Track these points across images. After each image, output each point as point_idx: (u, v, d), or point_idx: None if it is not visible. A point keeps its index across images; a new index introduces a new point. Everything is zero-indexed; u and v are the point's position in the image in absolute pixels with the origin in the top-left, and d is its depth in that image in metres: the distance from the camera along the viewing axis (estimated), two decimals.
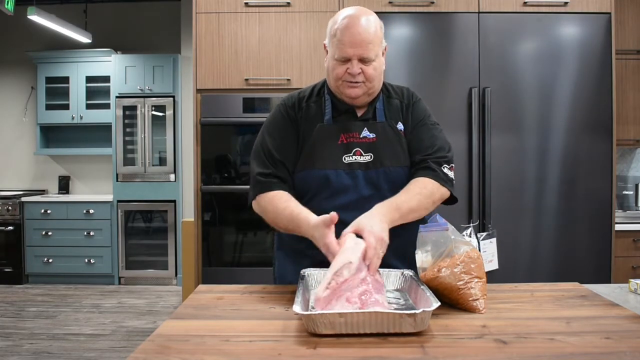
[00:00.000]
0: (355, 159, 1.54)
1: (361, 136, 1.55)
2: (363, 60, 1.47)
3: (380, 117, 1.58)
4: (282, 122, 1.59)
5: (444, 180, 1.52)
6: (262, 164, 1.56)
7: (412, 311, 1.07)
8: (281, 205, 1.48)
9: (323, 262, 1.35)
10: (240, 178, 3.17)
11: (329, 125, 1.56)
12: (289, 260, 1.61)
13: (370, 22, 1.48)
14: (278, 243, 1.70)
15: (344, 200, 1.52)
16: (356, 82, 1.49)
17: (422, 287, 1.26)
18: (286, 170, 1.55)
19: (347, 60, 1.47)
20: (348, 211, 1.45)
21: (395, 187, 1.53)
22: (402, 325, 1.07)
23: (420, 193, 1.47)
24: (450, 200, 1.58)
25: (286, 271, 1.62)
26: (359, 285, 1.20)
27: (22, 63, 5.66)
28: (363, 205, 1.49)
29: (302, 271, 1.43)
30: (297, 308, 1.09)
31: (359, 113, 1.58)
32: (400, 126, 1.58)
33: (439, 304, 1.12)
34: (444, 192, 1.53)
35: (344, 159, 1.54)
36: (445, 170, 1.53)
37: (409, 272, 1.41)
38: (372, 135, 1.55)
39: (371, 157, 1.54)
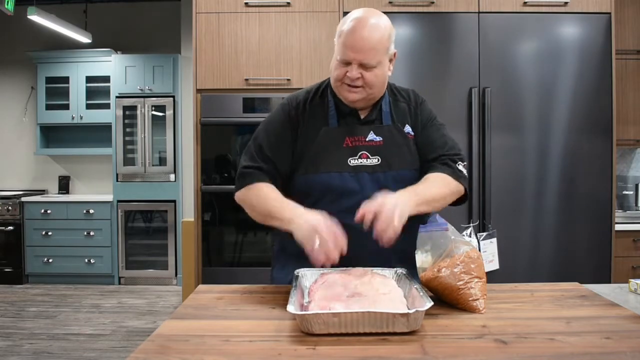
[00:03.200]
0: (361, 162, 1.51)
1: (367, 139, 1.52)
2: (364, 66, 1.44)
3: (387, 120, 1.55)
4: (281, 121, 1.57)
5: (459, 176, 1.52)
6: (251, 158, 1.55)
7: (406, 311, 1.07)
8: (261, 193, 1.49)
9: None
10: None
11: (334, 129, 1.53)
12: (291, 266, 1.52)
13: (377, 28, 1.43)
14: (279, 247, 1.67)
15: (348, 204, 1.47)
16: (355, 87, 1.47)
17: (415, 285, 1.26)
18: (274, 168, 1.53)
19: (347, 63, 1.45)
20: (353, 215, 1.45)
21: (403, 188, 1.52)
22: (396, 324, 1.07)
23: (436, 181, 1.47)
24: (461, 200, 1.57)
25: (288, 274, 1.58)
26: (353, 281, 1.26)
27: (22, 63, 5.67)
28: None
29: (296, 271, 1.41)
30: (291, 308, 1.10)
31: (362, 115, 1.55)
32: (408, 129, 1.56)
33: (432, 303, 1.11)
34: (460, 187, 1.52)
35: (350, 161, 1.51)
36: (460, 167, 1.53)
37: (402, 271, 1.40)
38: (378, 139, 1.52)
39: (378, 160, 1.51)
